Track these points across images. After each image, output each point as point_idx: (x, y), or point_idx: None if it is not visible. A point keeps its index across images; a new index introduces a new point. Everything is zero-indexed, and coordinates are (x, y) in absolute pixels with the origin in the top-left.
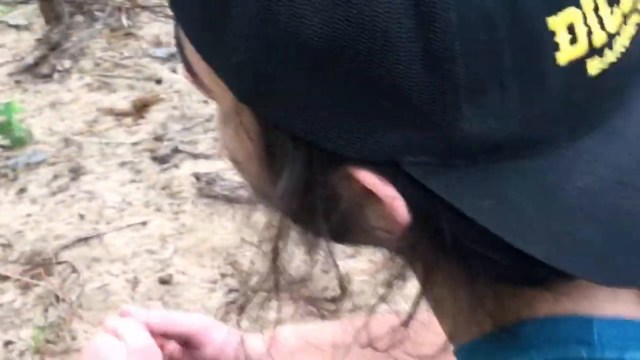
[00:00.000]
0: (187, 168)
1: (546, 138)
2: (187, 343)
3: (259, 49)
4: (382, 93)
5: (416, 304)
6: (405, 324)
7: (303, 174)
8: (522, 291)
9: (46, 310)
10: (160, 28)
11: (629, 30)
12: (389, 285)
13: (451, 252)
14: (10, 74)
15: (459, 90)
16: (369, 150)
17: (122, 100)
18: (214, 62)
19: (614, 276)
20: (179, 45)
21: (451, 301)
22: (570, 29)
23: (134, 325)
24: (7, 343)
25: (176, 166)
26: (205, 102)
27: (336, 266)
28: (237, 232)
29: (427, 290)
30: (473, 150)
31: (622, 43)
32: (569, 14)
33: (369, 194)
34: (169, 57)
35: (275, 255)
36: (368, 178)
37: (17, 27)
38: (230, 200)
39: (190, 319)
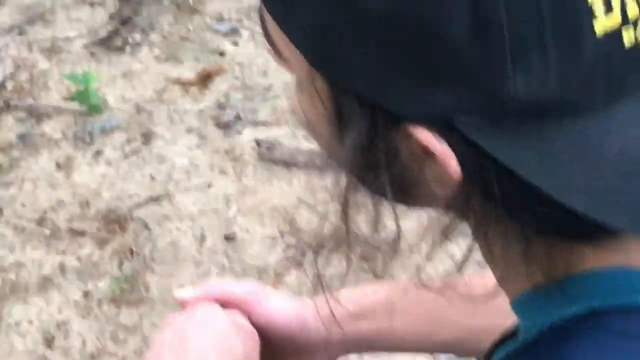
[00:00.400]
0: (248, 134)
1: (585, 102)
2: (239, 308)
3: (326, 18)
4: (435, 56)
5: (470, 250)
6: (459, 267)
7: (368, 131)
8: (571, 245)
9: (121, 263)
10: (222, 4)
11: None
12: (444, 235)
13: (502, 207)
14: (86, 46)
15: (504, 52)
16: (425, 110)
17: (188, 71)
18: (290, 33)
19: None
20: (262, 21)
21: (503, 253)
22: (606, 1)
23: (211, 308)
24: (86, 293)
25: (238, 132)
26: (265, 73)
27: (398, 223)
28: (295, 194)
29: (480, 242)
30: (519, 111)
31: None
32: None
33: (426, 150)
34: (231, 32)
35: (345, 210)
36: (424, 135)
37: (91, 3)
38: (287, 164)
39: (244, 286)
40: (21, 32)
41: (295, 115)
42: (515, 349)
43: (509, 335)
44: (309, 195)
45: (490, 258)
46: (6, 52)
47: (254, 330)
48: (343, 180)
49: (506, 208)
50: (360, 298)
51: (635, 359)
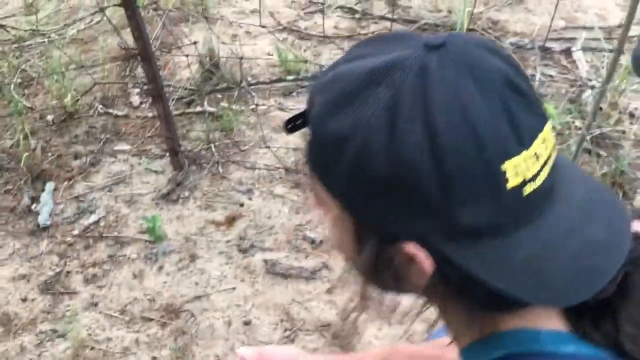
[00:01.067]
0: (259, 256)
1: (503, 227)
2: None
3: (348, 185)
4: (415, 203)
5: (435, 322)
6: (429, 331)
7: (376, 248)
8: (495, 314)
9: (176, 339)
10: (242, 174)
11: (548, 168)
12: (419, 313)
13: (456, 290)
14: (153, 199)
15: (456, 200)
16: (410, 233)
17: (219, 216)
18: (328, 189)
19: (550, 300)
20: (312, 186)
21: (455, 320)
22: (515, 168)
23: None
24: (153, 358)
25: (252, 255)
26: (269, 217)
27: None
28: (290, 295)
29: (442, 314)
30: (466, 233)
31: (544, 175)
32: (514, 161)
33: (411, 257)
34: (247, 191)
35: (364, 298)
36: (411, 248)
37: (156, 172)
38: (285, 276)
39: (288, 350)
40: (110, 190)
41: (330, 242)
42: None
43: None
44: (299, 296)
45: (448, 323)
46: (101, 202)
47: None
48: (360, 282)
49: (459, 291)
50: (363, 354)
51: None
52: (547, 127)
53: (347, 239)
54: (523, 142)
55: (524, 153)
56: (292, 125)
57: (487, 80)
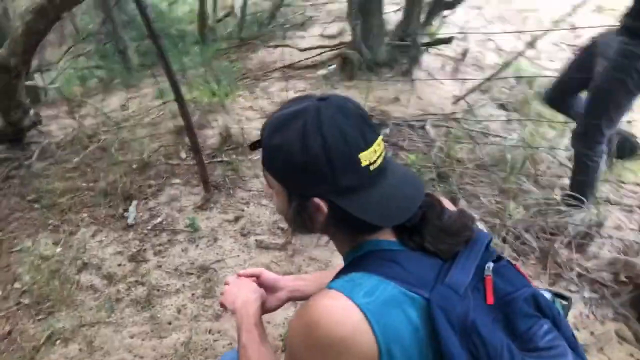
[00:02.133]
0: (252, 238)
1: (363, 187)
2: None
3: (283, 170)
4: (315, 177)
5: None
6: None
7: (298, 205)
8: (362, 234)
9: (205, 284)
10: (243, 194)
11: (381, 157)
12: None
13: (342, 224)
14: (193, 209)
15: (337, 174)
16: (316, 193)
17: (230, 216)
18: (274, 176)
19: (386, 221)
20: (265, 176)
21: (340, 241)
22: (365, 156)
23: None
24: (192, 294)
25: (249, 238)
26: (258, 217)
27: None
28: (270, 258)
29: (333, 239)
30: (347, 189)
31: (379, 161)
32: (364, 154)
33: (317, 207)
34: (246, 203)
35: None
36: (316, 201)
37: (195, 194)
38: (267, 248)
39: (260, 269)
40: (169, 204)
41: (276, 208)
42: (342, 270)
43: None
44: (274, 259)
45: (336, 244)
46: (163, 211)
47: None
48: (289, 228)
49: (342, 224)
50: (300, 276)
51: (382, 266)
52: (379, 138)
53: (283, 204)
54: (367, 144)
55: (369, 149)
56: (254, 145)
57: (350, 115)
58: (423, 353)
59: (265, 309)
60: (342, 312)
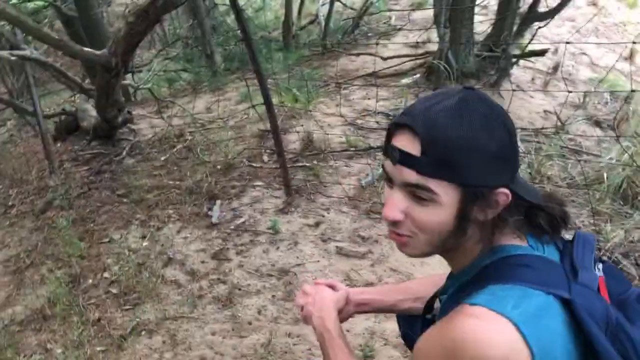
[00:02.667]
0: (333, 244)
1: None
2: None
3: (477, 166)
4: (506, 166)
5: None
6: None
7: (479, 202)
8: (493, 237)
9: (285, 286)
10: (324, 200)
11: None
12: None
13: (506, 215)
14: (274, 211)
15: (516, 161)
16: (500, 183)
17: (311, 221)
18: (452, 181)
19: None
20: (419, 188)
21: (472, 247)
22: None
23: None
24: (273, 296)
25: (329, 244)
26: (339, 223)
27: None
28: (350, 266)
29: (465, 245)
30: (516, 177)
31: None
32: None
33: (506, 195)
34: (326, 209)
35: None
36: (503, 190)
37: (276, 197)
38: (347, 255)
39: (334, 281)
40: (251, 205)
41: (424, 229)
42: (467, 283)
43: (440, 292)
44: (355, 267)
45: (460, 256)
46: (246, 212)
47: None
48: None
49: (506, 216)
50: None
51: (519, 273)
52: None
53: (448, 212)
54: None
55: None
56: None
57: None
58: (571, 355)
59: None
60: (494, 331)
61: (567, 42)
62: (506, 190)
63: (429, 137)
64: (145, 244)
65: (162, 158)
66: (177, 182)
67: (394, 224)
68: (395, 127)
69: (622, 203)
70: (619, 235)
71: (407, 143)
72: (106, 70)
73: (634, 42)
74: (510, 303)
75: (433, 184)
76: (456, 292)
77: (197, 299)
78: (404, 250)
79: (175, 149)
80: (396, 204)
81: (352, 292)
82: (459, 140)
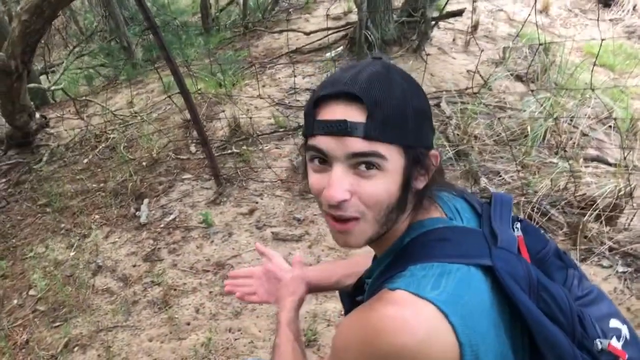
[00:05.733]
0: (268, 230)
1: None
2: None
3: (417, 127)
4: (430, 126)
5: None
6: None
7: (420, 163)
8: (417, 210)
9: (222, 281)
10: (256, 185)
11: None
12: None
13: (431, 184)
14: (206, 204)
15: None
16: (431, 145)
17: (244, 210)
18: (402, 144)
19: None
20: (373, 154)
21: (397, 225)
22: None
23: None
24: (210, 292)
25: (264, 230)
26: (273, 208)
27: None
28: (287, 250)
29: (394, 213)
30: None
31: None
32: None
33: (435, 156)
34: (259, 195)
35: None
36: (434, 152)
37: (206, 188)
38: (283, 240)
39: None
40: (181, 200)
41: (376, 202)
42: (390, 264)
43: (365, 275)
44: (292, 251)
45: (388, 235)
46: (176, 207)
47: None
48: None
49: (430, 186)
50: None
51: (436, 248)
52: None
53: (399, 177)
54: None
55: None
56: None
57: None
58: (497, 323)
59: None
60: (411, 317)
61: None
62: (436, 152)
63: (371, 100)
64: (72, 254)
65: (85, 161)
66: (102, 185)
67: (338, 207)
68: (324, 99)
69: (547, 154)
70: (546, 186)
71: (346, 111)
72: (6, 75)
73: None
74: (429, 283)
75: (382, 148)
76: (380, 275)
77: (131, 305)
78: (348, 241)
79: (97, 150)
80: (341, 182)
81: (301, 275)
82: (398, 100)
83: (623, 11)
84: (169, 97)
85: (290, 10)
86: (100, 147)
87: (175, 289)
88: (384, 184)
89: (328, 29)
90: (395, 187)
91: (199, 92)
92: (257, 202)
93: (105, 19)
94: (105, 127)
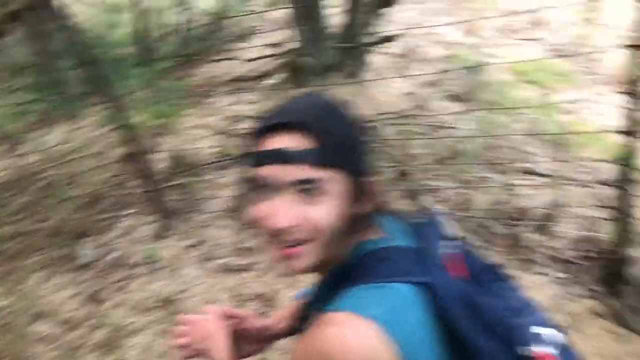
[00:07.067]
0: (219, 261)
1: None
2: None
3: (356, 156)
4: (369, 159)
5: None
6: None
7: (361, 189)
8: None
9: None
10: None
11: None
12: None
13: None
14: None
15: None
16: (370, 173)
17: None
18: (345, 170)
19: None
20: (318, 188)
21: (341, 248)
22: None
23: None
24: None
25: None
26: (220, 238)
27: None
28: (237, 281)
29: (338, 248)
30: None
31: None
32: None
33: (373, 185)
34: (207, 226)
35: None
36: (374, 180)
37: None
38: (234, 270)
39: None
40: None
41: (326, 220)
42: (330, 287)
43: (309, 303)
44: (242, 280)
45: (330, 258)
46: None
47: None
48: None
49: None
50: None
51: (378, 269)
52: None
53: (343, 202)
54: None
55: None
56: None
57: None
58: (435, 339)
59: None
60: (353, 336)
61: (414, 27)
62: (377, 175)
63: (311, 128)
64: (7, 302)
65: (21, 200)
66: (40, 224)
67: (283, 233)
68: (265, 131)
69: (485, 169)
70: (486, 200)
71: (292, 140)
72: None
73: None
74: (370, 303)
75: (324, 174)
76: (323, 300)
77: (75, 350)
78: (296, 266)
79: (34, 188)
80: (285, 209)
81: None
82: (337, 127)
83: (551, 30)
84: (109, 130)
85: (229, 38)
86: (39, 185)
87: (122, 329)
88: (327, 209)
89: (269, 56)
90: (338, 211)
91: (139, 124)
92: (203, 234)
93: (37, 53)
94: (43, 164)
